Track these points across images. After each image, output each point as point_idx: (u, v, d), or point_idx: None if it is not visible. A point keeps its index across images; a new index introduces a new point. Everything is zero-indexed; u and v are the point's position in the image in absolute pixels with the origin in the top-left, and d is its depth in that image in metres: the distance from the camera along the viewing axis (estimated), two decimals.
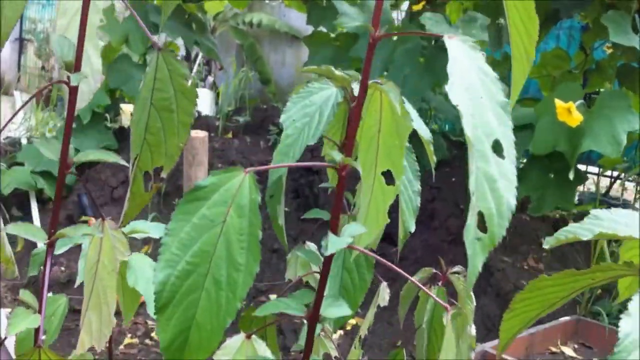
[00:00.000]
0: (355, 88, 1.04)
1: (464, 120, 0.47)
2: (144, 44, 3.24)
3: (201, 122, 3.42)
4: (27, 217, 3.05)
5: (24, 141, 3.22)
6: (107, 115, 3.46)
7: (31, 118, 3.49)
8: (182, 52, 5.08)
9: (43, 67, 7.01)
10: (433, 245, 2.97)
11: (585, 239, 0.62)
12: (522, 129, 2.69)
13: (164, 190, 3.17)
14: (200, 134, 1.69)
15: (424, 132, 1.11)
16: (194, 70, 5.54)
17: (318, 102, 1.12)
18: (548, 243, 0.64)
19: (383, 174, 0.68)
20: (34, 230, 0.63)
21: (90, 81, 0.71)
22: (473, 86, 0.49)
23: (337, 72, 1.08)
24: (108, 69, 3.27)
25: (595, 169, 3.67)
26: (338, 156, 0.63)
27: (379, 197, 0.67)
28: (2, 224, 0.60)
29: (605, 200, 3.74)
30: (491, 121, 0.49)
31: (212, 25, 5.92)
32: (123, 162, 0.71)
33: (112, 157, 0.69)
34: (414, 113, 1.15)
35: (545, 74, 3.63)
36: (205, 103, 5.88)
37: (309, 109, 1.12)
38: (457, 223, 3.02)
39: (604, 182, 3.83)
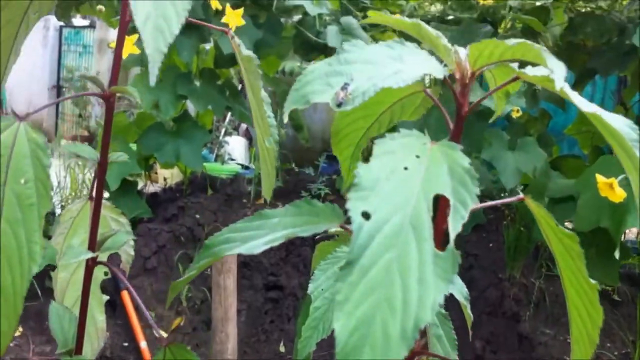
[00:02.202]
0: None
1: None
2: (174, 108, 3.24)
3: (233, 188, 3.40)
4: None
5: (58, 211, 3.22)
6: (139, 179, 3.47)
7: (66, 184, 3.51)
8: None
9: (80, 115, 7.13)
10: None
11: None
12: (562, 201, 2.61)
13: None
14: None
15: (460, 293, 1.04)
16: (227, 118, 5.55)
17: None
18: None
19: None
20: None
21: (94, 341, 0.68)
22: None
23: None
24: (141, 136, 3.28)
25: None
26: None
27: None
28: None
29: None
30: None
31: None
32: None
33: None
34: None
35: (584, 130, 3.53)
36: (238, 151, 5.88)
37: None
38: (495, 294, 2.93)
39: None
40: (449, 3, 3.27)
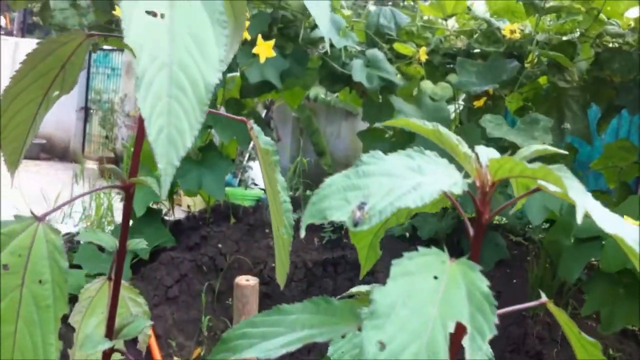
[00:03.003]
0: None
1: None
2: (199, 137, 3.27)
3: (256, 217, 3.40)
4: None
5: (81, 240, 3.25)
6: (163, 206, 3.49)
7: (92, 210, 3.54)
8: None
9: (107, 137, 7.22)
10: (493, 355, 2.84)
11: None
12: (588, 240, 2.57)
13: (217, 290, 3.15)
14: (251, 282, 1.65)
15: (485, 355, 1.03)
16: (251, 144, 5.58)
17: None
18: None
19: None
20: None
21: None
22: None
23: None
24: None
25: None
26: None
27: None
28: None
29: None
30: None
31: (270, 98, 5.99)
32: None
33: None
34: None
35: (610, 165, 3.49)
36: (260, 176, 5.90)
37: (358, 338, 1.06)
38: (518, 331, 2.88)
39: None
40: (475, 36, 3.27)
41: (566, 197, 0.39)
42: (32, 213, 0.55)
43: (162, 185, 0.43)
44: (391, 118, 2.99)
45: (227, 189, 4.61)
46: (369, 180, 0.40)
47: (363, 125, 3.52)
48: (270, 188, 0.62)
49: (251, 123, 0.64)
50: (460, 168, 0.43)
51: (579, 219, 0.36)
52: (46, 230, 0.53)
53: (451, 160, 0.44)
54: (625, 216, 2.38)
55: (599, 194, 3.43)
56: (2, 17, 10.79)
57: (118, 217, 3.63)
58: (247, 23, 2.81)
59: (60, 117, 8.07)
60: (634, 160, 3.44)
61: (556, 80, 3.16)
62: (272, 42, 2.74)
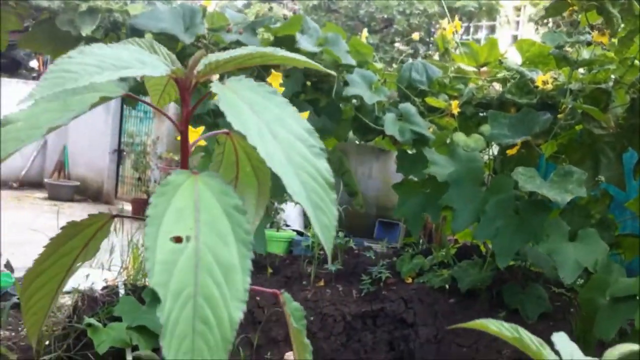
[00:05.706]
0: None
1: None
2: None
3: (293, 269, 3.43)
4: None
5: (121, 291, 3.30)
6: None
7: (129, 262, 3.59)
8: None
9: (139, 178, 7.32)
10: None
11: None
12: (624, 299, 2.54)
13: (255, 344, 3.16)
14: None
15: None
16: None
17: None
18: None
19: None
20: None
21: None
22: None
23: None
24: None
25: None
26: None
27: None
28: None
29: None
30: None
31: None
32: None
33: None
34: None
35: None
36: (294, 217, 5.93)
37: None
38: None
39: None
40: (508, 86, 3.27)
41: None
42: None
43: None
44: (425, 169, 3.00)
45: None
46: None
47: (395, 165, 3.52)
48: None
49: (283, 296, 0.66)
50: None
51: None
52: None
53: None
54: None
55: (632, 238, 3.39)
56: (35, 60, 11.04)
57: None
58: (282, 87, 2.84)
59: (94, 160, 8.24)
60: None
61: (591, 127, 3.15)
62: (306, 113, 2.80)
